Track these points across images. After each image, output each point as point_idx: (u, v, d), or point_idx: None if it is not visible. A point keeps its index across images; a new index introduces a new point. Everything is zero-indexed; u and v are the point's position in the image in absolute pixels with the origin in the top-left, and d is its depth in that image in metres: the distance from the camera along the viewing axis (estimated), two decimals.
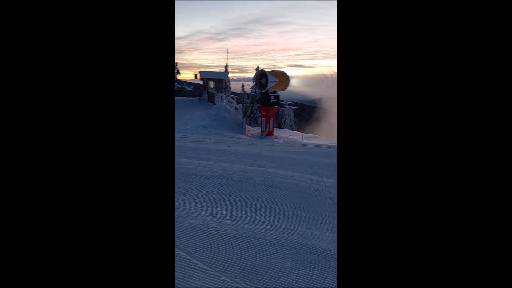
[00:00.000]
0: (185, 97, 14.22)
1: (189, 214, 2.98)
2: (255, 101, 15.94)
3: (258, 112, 14.64)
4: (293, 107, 22.44)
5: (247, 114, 18.50)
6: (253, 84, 20.07)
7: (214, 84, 13.46)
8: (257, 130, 10.83)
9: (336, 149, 6.69)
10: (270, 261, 2.25)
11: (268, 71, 9.61)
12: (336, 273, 2.13)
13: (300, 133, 11.18)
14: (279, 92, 9.98)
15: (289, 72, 10.24)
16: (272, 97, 9.67)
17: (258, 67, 18.15)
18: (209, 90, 13.61)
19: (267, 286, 1.98)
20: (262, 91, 9.73)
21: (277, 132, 11.11)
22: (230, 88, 14.94)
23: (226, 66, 15.16)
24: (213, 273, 2.09)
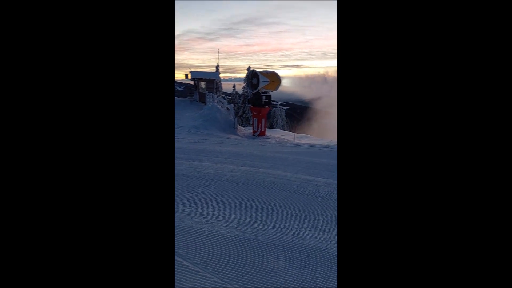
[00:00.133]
0: (176, 97, 14.10)
1: (179, 215, 2.95)
2: (246, 101, 15.93)
3: (249, 112, 14.63)
4: (284, 107, 22.52)
5: (238, 114, 18.46)
6: (244, 84, 20.06)
7: (205, 84, 13.39)
8: (249, 130, 10.82)
9: (327, 149, 6.75)
10: (262, 261, 2.24)
11: (259, 72, 9.62)
12: (327, 272, 2.15)
13: (292, 133, 11.23)
14: (270, 93, 10.00)
15: (280, 72, 10.29)
16: (264, 97, 9.69)
17: (249, 67, 18.14)
18: (200, 90, 13.52)
19: (259, 286, 1.98)
20: (254, 91, 9.74)
21: (269, 132, 11.13)
22: (221, 88, 14.88)
23: (217, 66, 15.10)
24: (204, 274, 2.07)
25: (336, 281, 2.06)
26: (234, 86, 23.05)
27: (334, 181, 4.13)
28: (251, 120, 10.79)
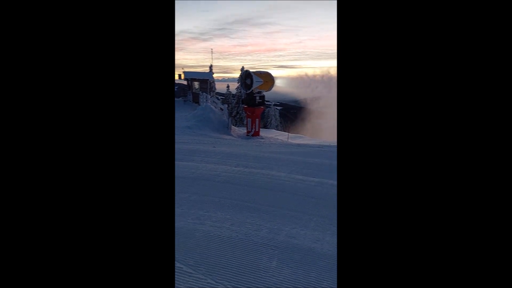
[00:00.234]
0: None
1: None
2: (240, 102, 15.92)
3: (243, 112, 14.63)
4: (278, 108, 22.58)
5: (232, 115, 18.43)
6: (238, 85, 20.03)
7: (198, 84, 13.32)
8: (242, 130, 10.81)
9: (320, 149, 6.79)
10: (255, 262, 2.24)
11: (253, 72, 9.62)
12: (321, 272, 2.16)
13: (286, 133, 11.26)
14: (264, 93, 10.01)
15: (274, 72, 10.31)
16: (258, 98, 9.69)
17: (243, 68, 18.13)
18: (193, 90, 13.45)
19: (252, 287, 1.97)
20: (247, 92, 9.73)
21: (263, 132, 11.13)
22: (215, 89, 14.83)
23: (210, 66, 15.05)
24: (198, 276, 2.05)
25: (329, 280, 2.07)
26: (228, 86, 23.00)
27: (327, 181, 4.16)
28: (245, 120, 10.78)
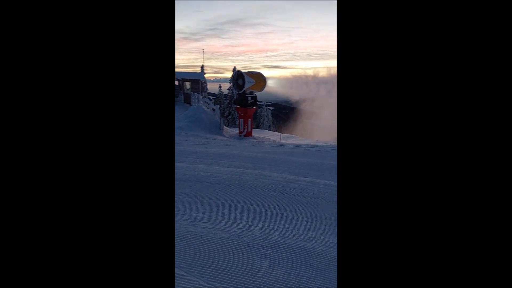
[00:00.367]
0: None
1: None
2: (232, 102, 15.88)
3: (235, 113, 14.60)
4: (270, 108, 22.63)
5: (224, 115, 18.36)
6: (230, 85, 19.98)
7: (190, 84, 13.22)
8: (235, 131, 10.79)
9: (312, 148, 6.83)
10: (248, 262, 2.23)
11: (245, 72, 9.61)
12: (312, 271, 2.17)
13: (278, 134, 11.29)
14: (256, 93, 10.01)
15: (266, 73, 10.33)
16: (250, 98, 9.68)
17: (235, 68, 18.10)
18: (185, 91, 13.34)
19: (243, 287, 1.97)
20: (239, 92, 9.72)
21: (256, 132, 11.14)
22: (207, 89, 14.75)
23: (202, 67, 14.97)
24: (190, 278, 2.03)
25: (321, 280, 2.08)
26: (220, 87, 22.92)
27: (319, 180, 4.19)
28: (237, 121, 10.76)
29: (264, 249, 2.42)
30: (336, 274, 2.12)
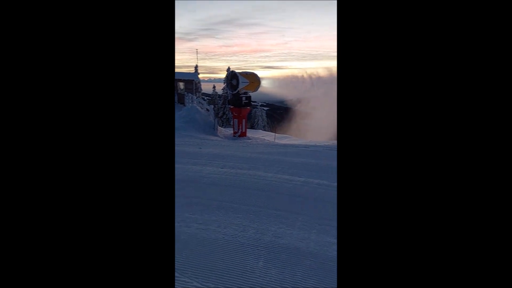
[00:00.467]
0: None
1: None
2: (226, 102, 15.85)
3: (230, 113, 14.56)
4: (265, 108, 22.66)
5: (219, 115, 18.31)
6: (224, 85, 19.93)
7: (184, 85, 13.14)
8: (229, 131, 10.76)
9: (306, 148, 6.86)
10: (242, 263, 2.23)
11: (239, 72, 9.60)
12: (307, 271, 2.18)
13: (273, 134, 11.31)
14: (250, 93, 10.01)
15: (260, 73, 10.33)
16: (244, 98, 9.68)
17: (229, 68, 18.07)
18: (178, 91, 13.25)
19: None
20: (234, 92, 9.70)
21: (250, 133, 11.13)
22: (201, 89, 14.68)
23: (196, 67, 14.90)
24: (183, 279, 2.02)
25: (315, 279, 2.09)
26: (214, 87, 22.84)
27: (313, 180, 4.21)
28: (232, 121, 10.74)
29: (258, 249, 2.42)
30: (330, 274, 2.14)
